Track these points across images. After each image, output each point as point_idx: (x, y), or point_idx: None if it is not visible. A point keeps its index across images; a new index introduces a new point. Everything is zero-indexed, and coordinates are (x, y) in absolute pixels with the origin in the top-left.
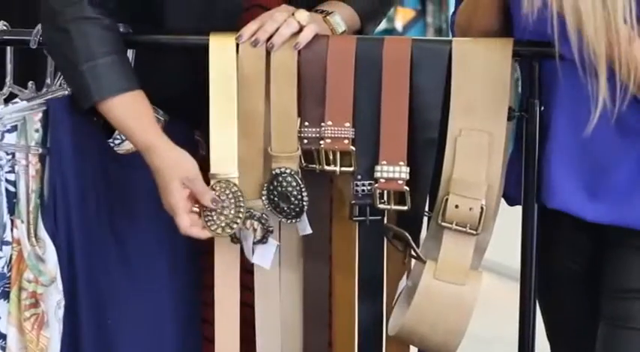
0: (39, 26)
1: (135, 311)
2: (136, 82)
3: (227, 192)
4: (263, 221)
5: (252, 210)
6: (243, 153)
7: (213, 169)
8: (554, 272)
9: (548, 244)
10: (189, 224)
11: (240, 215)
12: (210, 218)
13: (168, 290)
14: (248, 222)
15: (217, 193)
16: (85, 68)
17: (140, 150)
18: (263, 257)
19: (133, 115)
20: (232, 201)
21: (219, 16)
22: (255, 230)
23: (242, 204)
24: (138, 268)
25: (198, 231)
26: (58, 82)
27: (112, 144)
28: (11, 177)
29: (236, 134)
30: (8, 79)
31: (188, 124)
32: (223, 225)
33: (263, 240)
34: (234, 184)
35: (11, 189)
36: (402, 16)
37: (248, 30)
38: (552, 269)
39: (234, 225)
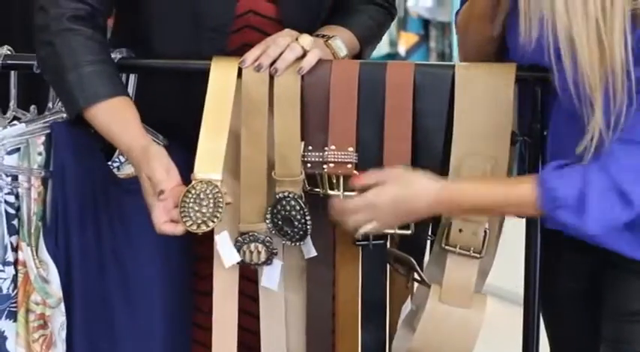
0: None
1: (132, 334)
2: (122, 89)
3: (207, 191)
4: (267, 244)
5: (255, 234)
6: (246, 177)
7: (196, 170)
8: (556, 290)
9: (549, 264)
10: (162, 220)
11: (218, 215)
12: (186, 213)
13: (164, 314)
14: (252, 245)
15: (197, 192)
16: (70, 77)
17: (124, 153)
18: (270, 278)
19: (117, 119)
20: (211, 200)
21: (206, 36)
22: (259, 253)
23: (221, 205)
24: (136, 292)
25: (172, 228)
26: (59, 105)
27: (113, 168)
28: (10, 199)
29: (224, 144)
30: (12, 103)
31: (187, 150)
32: (199, 222)
33: (267, 262)
34: (216, 185)
35: (10, 211)
36: (405, 41)
37: (251, 55)
38: (554, 287)
39: (210, 223)
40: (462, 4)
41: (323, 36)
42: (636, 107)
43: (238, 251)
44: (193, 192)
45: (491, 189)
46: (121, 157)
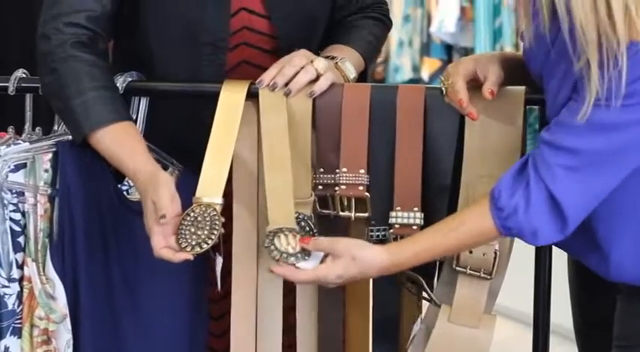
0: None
1: None
2: (127, 115)
3: (205, 214)
4: (297, 232)
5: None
6: (273, 185)
7: (197, 194)
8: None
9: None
10: (161, 245)
11: (213, 237)
12: (182, 235)
13: (175, 336)
14: (284, 234)
15: (195, 215)
16: (75, 103)
17: (129, 177)
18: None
19: (122, 143)
20: (208, 222)
21: (204, 52)
22: (294, 236)
23: (217, 228)
24: (146, 313)
25: (169, 254)
26: (63, 128)
27: (123, 192)
28: (16, 216)
29: (227, 169)
30: (27, 126)
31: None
32: (194, 243)
33: (305, 252)
34: (214, 209)
35: (16, 228)
36: (428, 66)
37: (268, 75)
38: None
39: (204, 245)
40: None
41: (332, 58)
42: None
43: (272, 241)
44: (192, 214)
45: (433, 231)
46: (130, 181)
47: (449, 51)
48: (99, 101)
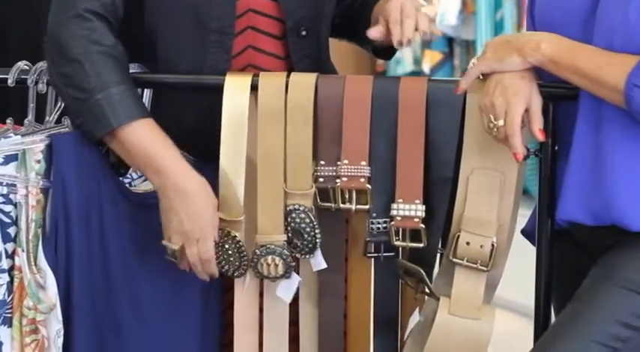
0: (39, 64)
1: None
2: (147, 111)
3: (228, 242)
4: (284, 256)
5: (273, 246)
6: (264, 191)
7: (220, 213)
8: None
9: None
10: (213, 253)
11: (245, 263)
12: (221, 265)
13: (178, 333)
14: (270, 258)
15: (222, 241)
16: (100, 97)
17: (160, 175)
18: (287, 290)
19: (152, 140)
20: (235, 251)
21: (211, 39)
22: (277, 265)
23: (244, 254)
24: (148, 304)
25: (214, 266)
26: (54, 120)
27: (126, 183)
28: (6, 208)
29: (243, 181)
30: (29, 118)
31: (204, 159)
32: (232, 269)
33: (286, 275)
34: (235, 236)
35: (5, 219)
36: (429, 59)
37: (401, 35)
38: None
39: (241, 270)
40: None
41: None
42: None
43: (256, 264)
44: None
45: (591, 52)
46: (133, 174)
47: (450, 43)
48: (126, 95)
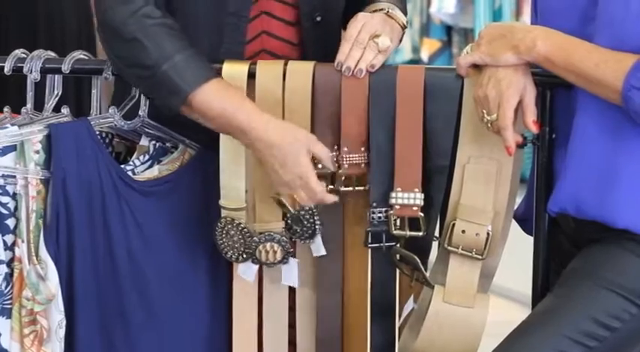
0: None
1: (148, 337)
2: (214, 71)
3: (233, 229)
4: (283, 243)
5: (271, 233)
6: (262, 179)
7: (222, 201)
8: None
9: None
10: (323, 188)
11: (249, 249)
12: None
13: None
14: (268, 245)
15: (225, 228)
16: (166, 68)
17: (243, 133)
18: (290, 275)
19: (229, 98)
20: (240, 237)
21: (227, 22)
22: (275, 252)
23: (250, 239)
24: (155, 292)
25: (329, 196)
26: (51, 108)
27: (129, 171)
28: (4, 199)
29: (244, 169)
30: (29, 106)
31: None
32: (236, 255)
33: (284, 261)
34: (239, 223)
35: (3, 211)
36: (427, 47)
37: (350, 60)
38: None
39: (245, 256)
40: None
41: (380, 9)
42: None
43: (254, 251)
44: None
45: (585, 49)
46: (136, 161)
47: (448, 32)
48: (190, 60)
